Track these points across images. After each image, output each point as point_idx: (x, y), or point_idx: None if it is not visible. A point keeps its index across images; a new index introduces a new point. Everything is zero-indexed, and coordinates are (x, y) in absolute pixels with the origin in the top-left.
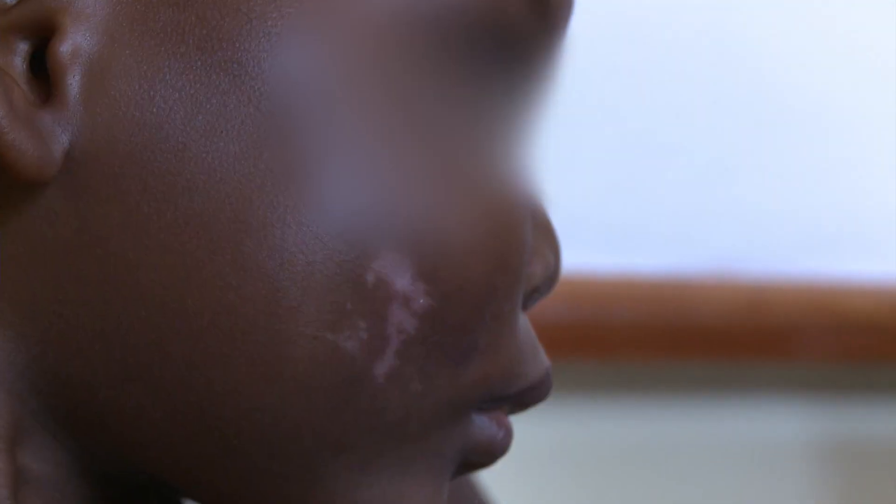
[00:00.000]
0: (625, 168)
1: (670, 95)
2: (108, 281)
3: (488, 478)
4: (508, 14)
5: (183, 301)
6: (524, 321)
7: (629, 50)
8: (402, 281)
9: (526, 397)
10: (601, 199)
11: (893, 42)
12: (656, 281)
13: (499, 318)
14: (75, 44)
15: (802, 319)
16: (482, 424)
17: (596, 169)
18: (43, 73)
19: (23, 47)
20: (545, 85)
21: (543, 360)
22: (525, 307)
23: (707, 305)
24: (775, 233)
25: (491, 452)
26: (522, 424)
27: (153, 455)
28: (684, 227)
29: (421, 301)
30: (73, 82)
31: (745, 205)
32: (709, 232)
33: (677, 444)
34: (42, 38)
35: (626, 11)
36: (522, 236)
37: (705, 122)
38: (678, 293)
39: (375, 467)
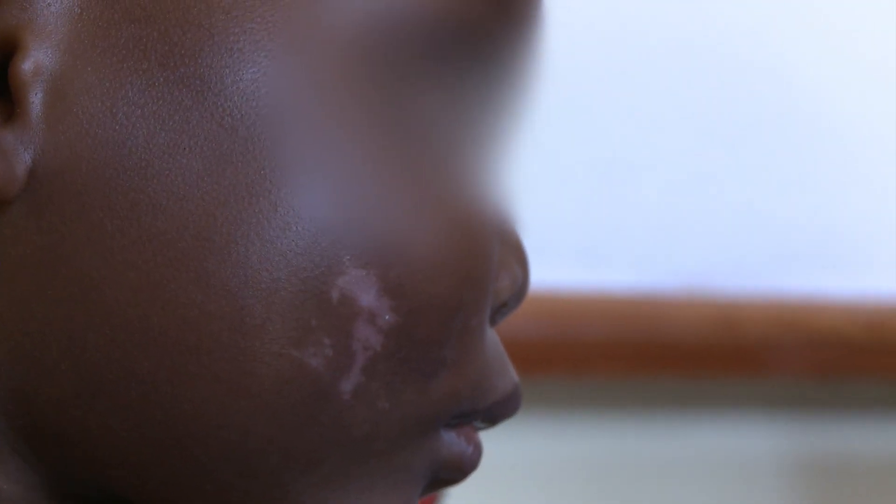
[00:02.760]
0: (596, 185)
1: (642, 113)
2: (73, 299)
3: (457, 494)
4: (471, 17)
5: (147, 318)
6: (492, 336)
7: (602, 67)
8: (368, 297)
9: (495, 412)
10: (573, 215)
11: (869, 60)
12: (628, 297)
13: (466, 334)
14: (37, 61)
15: (774, 335)
16: (451, 441)
17: (567, 186)
18: (4, 91)
19: None
20: (518, 92)
21: (512, 374)
22: (493, 322)
23: (679, 322)
24: (747, 249)
25: (460, 469)
26: (493, 441)
27: (121, 474)
28: (656, 243)
29: (387, 317)
30: (35, 100)
31: (716, 221)
32: (680, 248)
33: (649, 461)
34: (3, 56)
35: (598, 30)
36: (489, 251)
37: (677, 139)
38: (650, 310)
39: (343, 483)
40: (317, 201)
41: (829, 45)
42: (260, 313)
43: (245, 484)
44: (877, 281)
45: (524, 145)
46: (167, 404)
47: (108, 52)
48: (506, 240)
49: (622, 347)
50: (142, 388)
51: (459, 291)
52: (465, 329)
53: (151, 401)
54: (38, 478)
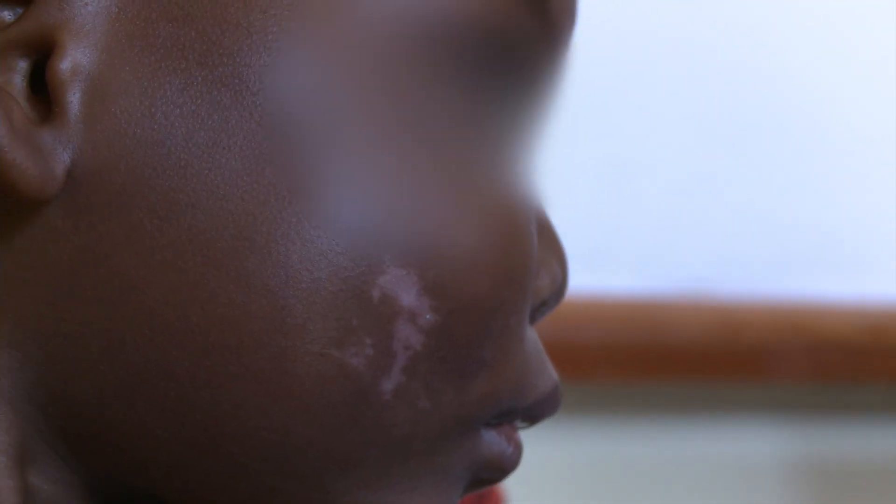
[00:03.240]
0: (598, 188)
1: (643, 116)
2: (112, 299)
3: None
4: (511, 23)
5: (187, 319)
6: (532, 335)
7: (603, 70)
8: (408, 296)
9: (535, 411)
10: (574, 219)
11: (870, 64)
12: (630, 301)
13: (506, 333)
14: (75, 61)
15: (777, 340)
16: (491, 440)
17: (569, 189)
18: (42, 91)
19: (22, 65)
20: (549, 96)
21: (552, 373)
22: (533, 320)
23: (681, 326)
24: (749, 253)
25: (501, 468)
26: None
27: (159, 475)
28: (658, 247)
29: (427, 317)
30: (74, 100)
31: (718, 225)
32: (682, 252)
33: (651, 465)
34: (41, 55)
35: (599, 34)
36: (529, 250)
37: (679, 142)
38: (652, 314)
39: (383, 484)
40: (357, 200)
41: (830, 49)
42: (301, 313)
43: (284, 485)
44: (879, 285)
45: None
46: (206, 405)
47: (146, 52)
48: (544, 238)
49: (624, 351)
50: (181, 389)
51: (499, 291)
52: (504, 328)
53: (190, 401)
54: (75, 478)
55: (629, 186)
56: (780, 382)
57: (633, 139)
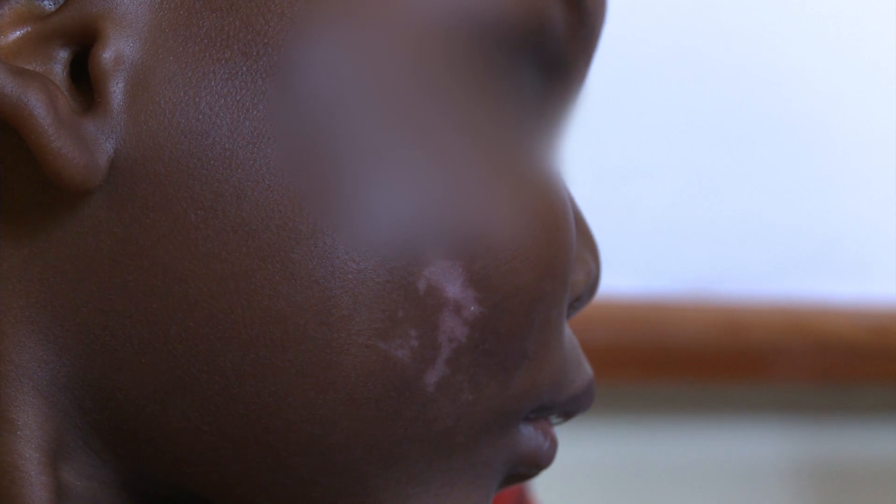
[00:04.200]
0: (601, 190)
1: (647, 118)
2: (155, 291)
3: None
4: (548, 17)
5: (232, 311)
6: (567, 330)
7: (607, 74)
8: (454, 288)
9: (571, 406)
10: None
11: (872, 67)
12: (633, 302)
13: (547, 325)
14: (118, 50)
15: (779, 340)
16: (529, 434)
17: (572, 191)
18: (83, 80)
19: (63, 55)
20: (580, 90)
21: (587, 368)
22: (568, 315)
23: (684, 327)
24: (752, 254)
25: (537, 463)
26: None
27: (199, 471)
28: (661, 248)
29: (472, 308)
30: (117, 89)
31: (721, 226)
32: (685, 254)
33: (655, 466)
34: (82, 45)
35: (604, 36)
36: (570, 242)
37: (682, 145)
38: (655, 315)
39: (423, 479)
40: (402, 191)
41: (830, 53)
42: (347, 304)
43: (326, 479)
44: (882, 285)
45: None
46: (250, 398)
47: (190, 42)
48: (580, 232)
49: (627, 352)
50: (224, 383)
51: (542, 283)
52: (546, 321)
53: (234, 395)
54: (111, 474)
55: (633, 188)
56: (783, 383)
57: (636, 141)
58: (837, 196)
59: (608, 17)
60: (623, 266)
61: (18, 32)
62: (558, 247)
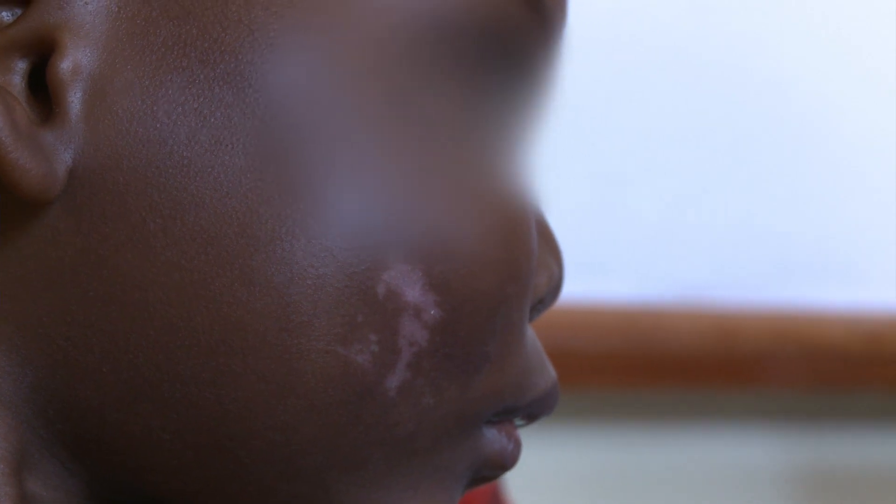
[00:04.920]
0: (594, 197)
1: (640, 125)
2: (115, 301)
3: None
4: (508, 18)
5: (191, 318)
6: (530, 332)
7: (600, 80)
8: (413, 292)
9: (535, 408)
10: (570, 227)
11: (866, 73)
12: (626, 309)
13: (509, 329)
14: (75, 60)
15: (772, 347)
16: (492, 437)
17: (565, 198)
18: (42, 91)
19: (21, 66)
20: (545, 92)
21: (550, 370)
22: (531, 319)
23: (677, 333)
24: (744, 261)
25: (502, 465)
26: None
27: (163, 478)
28: (654, 255)
29: (432, 312)
30: (75, 99)
31: (714, 233)
32: (678, 260)
33: (647, 472)
34: (41, 56)
35: (596, 42)
36: (531, 245)
37: (675, 151)
38: (648, 321)
39: (386, 483)
40: (361, 196)
41: (826, 58)
42: (306, 310)
43: (288, 485)
44: (874, 293)
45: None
46: (211, 406)
47: (148, 51)
48: (541, 235)
49: (620, 359)
50: (185, 390)
51: (503, 286)
52: (507, 324)
53: (195, 403)
54: (76, 483)
55: (626, 196)
56: (775, 390)
57: (630, 149)
58: (830, 203)
59: (593, 21)
60: (616, 273)
61: None
62: (519, 250)
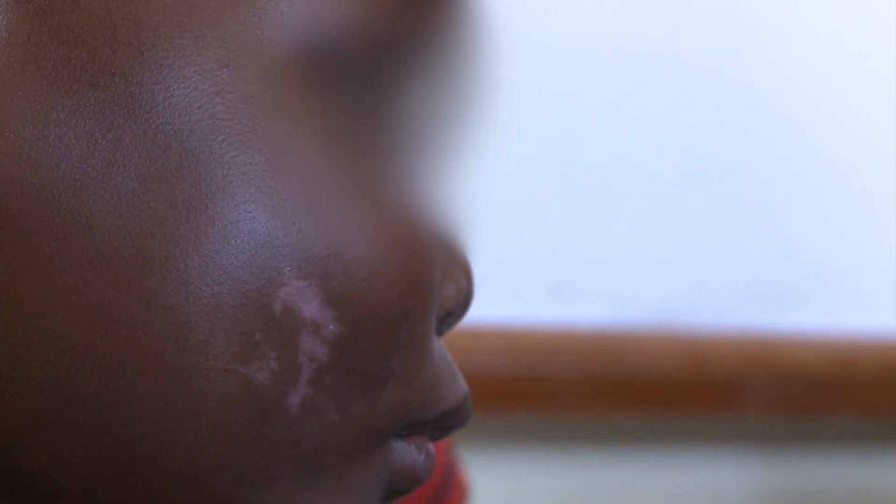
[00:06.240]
0: (565, 220)
1: (613, 148)
2: (14, 326)
3: None
4: (391, 30)
5: (90, 342)
6: (439, 346)
7: (573, 100)
8: (311, 308)
9: (445, 422)
10: (542, 250)
11: (839, 100)
12: (598, 333)
13: (412, 343)
14: None
15: (744, 371)
16: (402, 450)
17: (536, 221)
18: None
19: None
20: (462, 96)
21: (461, 383)
22: (440, 332)
23: (649, 358)
24: (717, 286)
25: (414, 478)
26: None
27: (73, 503)
28: (626, 279)
29: (331, 327)
30: None
31: (687, 259)
32: (650, 285)
33: (620, 496)
34: None
35: (569, 63)
36: (431, 259)
37: (647, 175)
38: (620, 345)
39: (298, 500)
40: (254, 214)
41: (799, 85)
42: (203, 329)
43: None
44: (844, 317)
45: (491, 181)
46: (116, 428)
47: (38, 75)
48: (449, 250)
49: (592, 383)
50: (89, 414)
51: (403, 300)
52: (410, 338)
53: (100, 426)
54: None
55: (598, 220)
56: (748, 414)
57: (603, 172)
58: (802, 228)
59: (563, 41)
60: (588, 297)
61: None
62: (420, 264)
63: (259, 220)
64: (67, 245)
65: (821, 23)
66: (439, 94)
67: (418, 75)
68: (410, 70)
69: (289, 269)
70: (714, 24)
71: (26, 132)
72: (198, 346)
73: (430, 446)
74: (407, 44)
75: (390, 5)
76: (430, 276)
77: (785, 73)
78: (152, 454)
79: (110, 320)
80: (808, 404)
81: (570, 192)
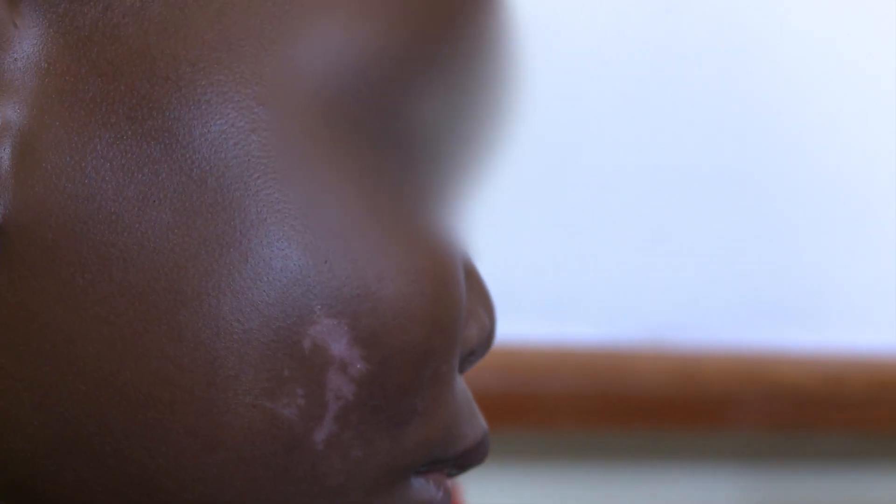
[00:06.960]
0: (558, 238)
1: (604, 166)
2: (45, 354)
3: None
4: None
5: (120, 373)
6: (461, 383)
7: (564, 118)
8: (339, 346)
9: (465, 460)
10: (535, 268)
11: (829, 118)
12: (590, 351)
13: (437, 381)
14: (3, 116)
15: (735, 389)
16: (420, 486)
17: (530, 238)
18: None
19: None
20: (485, 128)
21: (481, 422)
22: (462, 370)
23: (641, 375)
24: (707, 303)
25: None
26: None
27: None
28: (618, 297)
29: (358, 366)
30: (3, 155)
31: (678, 276)
32: (642, 302)
33: None
34: None
35: (562, 80)
36: (458, 298)
37: (639, 193)
38: (612, 363)
39: None
40: (287, 252)
41: (789, 102)
42: (233, 365)
43: None
44: (836, 335)
45: (487, 200)
46: (142, 459)
47: (76, 107)
48: (472, 287)
49: (585, 401)
50: (116, 443)
51: (430, 339)
52: (435, 377)
53: (126, 456)
54: None
55: (590, 238)
56: (739, 432)
57: (595, 190)
58: (792, 246)
59: (556, 58)
60: (579, 314)
61: None
62: (446, 303)
63: (291, 258)
64: (101, 277)
65: (831, 39)
66: (464, 125)
67: (444, 106)
68: (437, 101)
69: (319, 307)
70: (713, 44)
71: (63, 163)
72: (227, 381)
73: (448, 483)
74: (433, 74)
75: (420, 41)
76: (456, 313)
77: (778, 92)
78: (177, 486)
79: (140, 352)
80: (798, 421)
81: (562, 209)
